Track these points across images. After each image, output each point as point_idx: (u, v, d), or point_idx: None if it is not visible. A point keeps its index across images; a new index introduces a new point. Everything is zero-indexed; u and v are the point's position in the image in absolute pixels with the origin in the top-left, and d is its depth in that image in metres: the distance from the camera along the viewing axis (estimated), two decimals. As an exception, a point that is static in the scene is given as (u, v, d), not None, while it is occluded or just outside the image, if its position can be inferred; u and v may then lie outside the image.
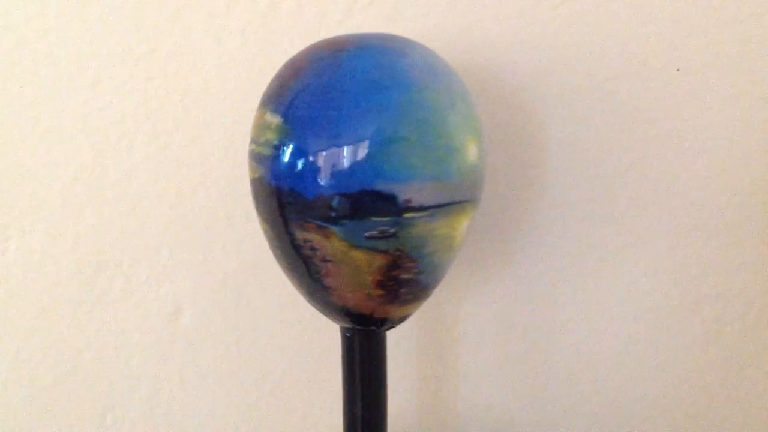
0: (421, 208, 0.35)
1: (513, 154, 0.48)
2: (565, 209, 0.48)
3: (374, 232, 0.35)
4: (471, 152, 0.36)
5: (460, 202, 0.36)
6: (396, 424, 0.42)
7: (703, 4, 0.46)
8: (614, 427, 0.51)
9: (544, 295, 0.49)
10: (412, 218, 0.35)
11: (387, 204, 0.34)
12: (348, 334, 0.40)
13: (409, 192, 0.34)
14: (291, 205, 0.35)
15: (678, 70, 0.47)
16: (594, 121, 0.48)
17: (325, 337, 0.49)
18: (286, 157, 0.35)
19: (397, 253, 0.35)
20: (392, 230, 0.35)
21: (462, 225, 0.37)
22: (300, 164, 0.35)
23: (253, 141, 0.37)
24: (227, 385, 0.50)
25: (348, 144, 0.34)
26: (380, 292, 0.37)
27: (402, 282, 0.37)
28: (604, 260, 0.49)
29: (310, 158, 0.34)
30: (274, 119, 0.36)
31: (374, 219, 0.34)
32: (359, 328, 0.39)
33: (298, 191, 0.35)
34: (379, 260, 0.36)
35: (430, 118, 0.35)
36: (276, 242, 0.38)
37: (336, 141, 0.34)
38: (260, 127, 0.37)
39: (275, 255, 0.39)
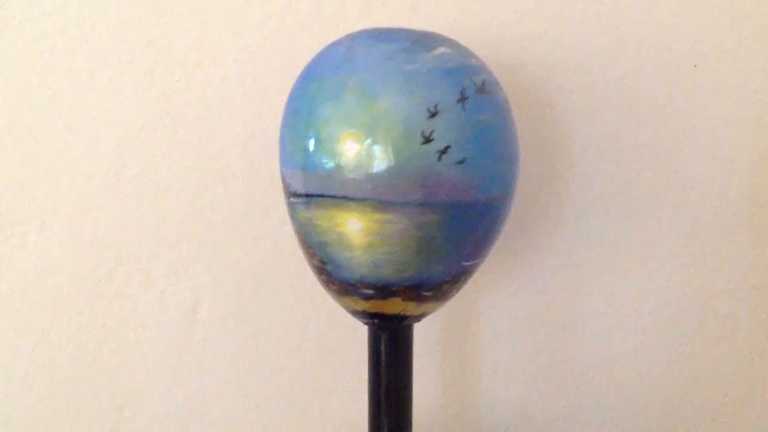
0: (296, 194, 0.36)
1: (531, 150, 0.48)
2: (583, 205, 0.49)
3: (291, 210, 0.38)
4: (349, 149, 0.34)
5: (335, 197, 0.34)
6: (417, 417, 0.42)
7: (720, 0, 0.46)
8: (631, 421, 0.51)
9: (562, 290, 0.50)
10: (294, 203, 0.37)
11: (284, 185, 0.38)
12: (371, 327, 0.40)
13: (288, 177, 0.37)
14: None
15: (695, 66, 0.47)
16: (610, 117, 0.48)
17: (342, 332, 0.49)
18: None
19: (300, 235, 0.38)
20: (290, 211, 0.38)
21: (348, 223, 0.35)
22: None
23: None
24: (245, 379, 0.50)
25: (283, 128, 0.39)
26: (315, 273, 0.39)
27: (316, 269, 0.38)
28: (620, 256, 0.49)
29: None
30: None
31: (290, 199, 0.38)
32: (376, 321, 0.39)
33: None
34: (300, 238, 0.38)
35: (302, 107, 0.36)
36: None
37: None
38: None
39: None
